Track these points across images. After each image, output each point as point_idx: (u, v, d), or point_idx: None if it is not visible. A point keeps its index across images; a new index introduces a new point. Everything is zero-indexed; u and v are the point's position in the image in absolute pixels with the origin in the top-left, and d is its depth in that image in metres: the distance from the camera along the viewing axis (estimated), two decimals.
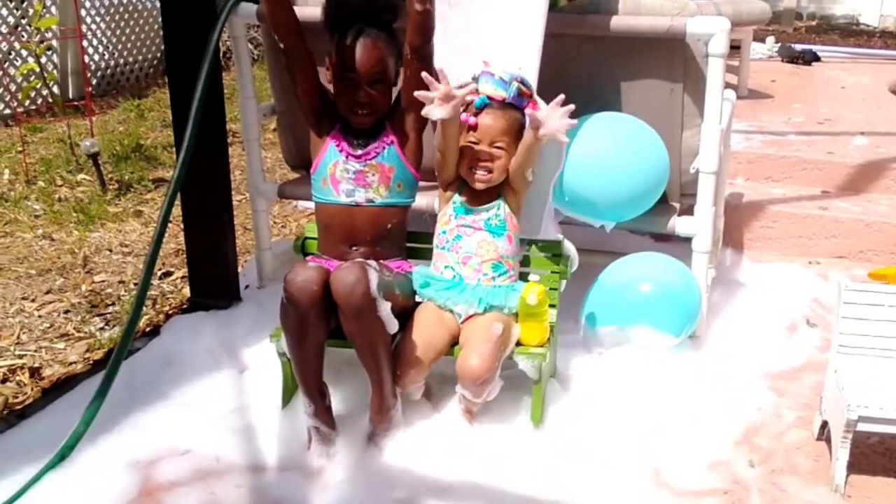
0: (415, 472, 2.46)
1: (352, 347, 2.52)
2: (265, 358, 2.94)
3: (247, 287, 3.60)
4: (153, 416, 2.72)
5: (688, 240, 3.14)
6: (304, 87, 2.65)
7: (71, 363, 3.22)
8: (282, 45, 2.60)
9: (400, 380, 2.54)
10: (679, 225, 3.13)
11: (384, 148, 2.67)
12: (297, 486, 2.45)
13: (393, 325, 2.46)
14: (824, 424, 2.60)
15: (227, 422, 2.71)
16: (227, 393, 2.87)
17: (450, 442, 2.57)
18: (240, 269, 3.65)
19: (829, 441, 2.55)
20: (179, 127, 3.22)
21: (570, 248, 2.89)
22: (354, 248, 2.69)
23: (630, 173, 2.90)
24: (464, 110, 2.58)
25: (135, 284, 3.82)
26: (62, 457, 2.46)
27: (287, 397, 2.75)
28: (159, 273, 3.93)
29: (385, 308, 2.42)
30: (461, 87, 2.56)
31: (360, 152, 2.65)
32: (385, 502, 2.37)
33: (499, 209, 2.66)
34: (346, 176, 2.65)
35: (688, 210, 3.17)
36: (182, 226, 3.56)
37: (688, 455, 2.53)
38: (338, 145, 2.66)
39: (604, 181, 2.90)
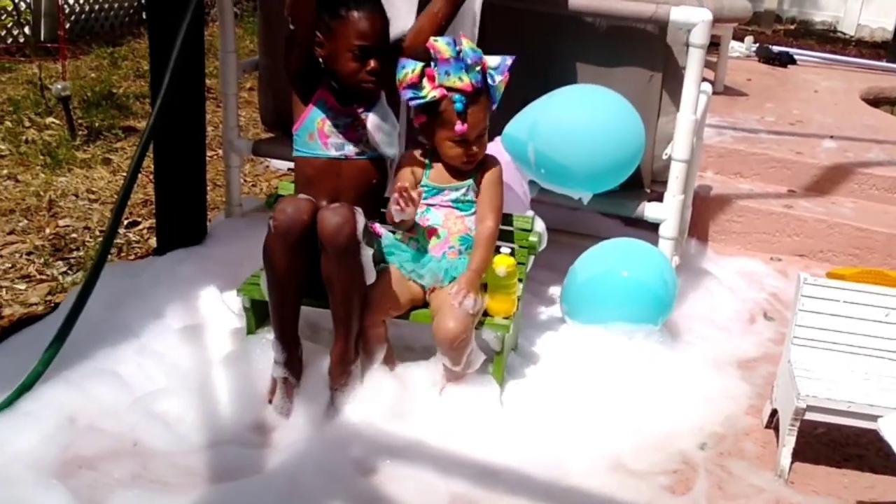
0: (372, 435, 2.47)
1: (324, 308, 2.54)
2: (212, 313, 2.94)
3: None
4: (93, 375, 2.58)
5: (656, 226, 3.19)
6: (299, 57, 2.61)
7: (32, 304, 3.19)
8: (291, 27, 2.54)
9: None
10: (648, 210, 3.18)
11: (372, 102, 2.66)
12: (251, 445, 2.43)
13: (371, 275, 2.49)
14: (774, 412, 2.67)
15: (176, 380, 2.62)
16: (175, 350, 2.76)
17: (407, 407, 2.58)
18: (207, 224, 3.63)
19: (776, 429, 2.63)
20: (157, 76, 3.19)
21: (540, 224, 2.92)
22: (336, 204, 2.67)
23: (608, 142, 2.94)
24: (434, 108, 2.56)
25: (100, 231, 3.78)
26: (19, 394, 2.44)
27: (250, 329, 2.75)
28: (126, 222, 3.89)
29: (367, 254, 2.44)
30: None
31: (348, 107, 2.65)
32: (340, 462, 2.37)
33: (468, 189, 2.66)
34: (335, 130, 2.65)
35: (658, 197, 3.23)
36: (152, 177, 3.53)
37: (640, 435, 2.58)
38: (325, 101, 2.65)
39: (581, 149, 2.93)
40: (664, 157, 3.17)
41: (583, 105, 3.02)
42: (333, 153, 2.66)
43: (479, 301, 2.55)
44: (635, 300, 2.89)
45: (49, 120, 5.11)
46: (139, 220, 3.97)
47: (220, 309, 3.01)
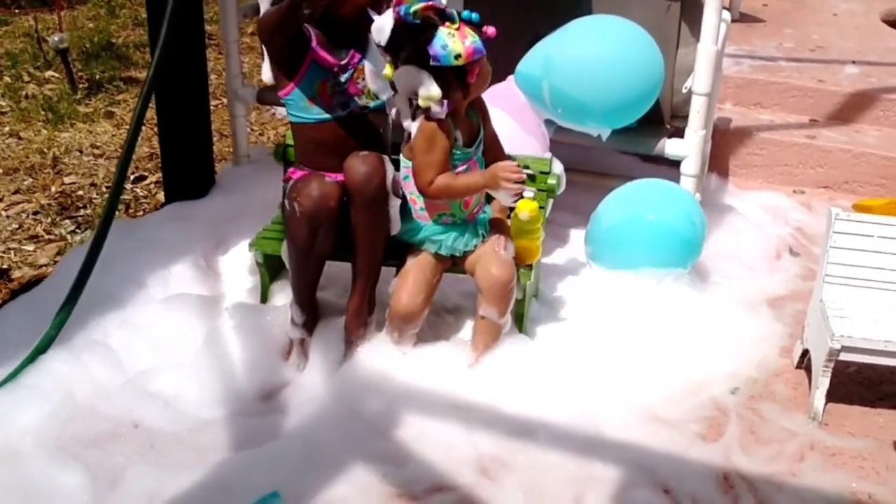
0: (392, 390, 2.41)
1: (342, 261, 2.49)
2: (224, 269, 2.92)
3: None
4: (87, 347, 2.50)
5: (676, 162, 3.09)
6: (296, 28, 2.41)
7: (41, 266, 3.13)
8: (307, 12, 2.36)
9: (395, 328, 2.48)
10: (669, 147, 3.07)
11: (367, 46, 2.51)
12: (264, 412, 2.38)
13: (396, 226, 2.45)
14: (805, 353, 2.60)
15: (177, 354, 2.53)
16: (174, 315, 2.67)
17: (427, 361, 2.52)
18: (216, 176, 3.54)
19: (808, 370, 2.56)
20: (155, 24, 3.07)
21: (558, 166, 2.82)
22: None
23: (626, 75, 2.82)
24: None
25: (107, 188, 3.70)
26: (33, 358, 2.40)
27: (264, 298, 2.74)
28: (132, 177, 3.81)
29: (395, 204, 2.40)
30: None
31: (345, 59, 2.49)
32: (359, 420, 2.31)
33: (482, 135, 2.51)
34: (338, 89, 2.49)
35: (678, 133, 3.11)
36: (156, 129, 3.43)
37: (672, 383, 2.52)
38: (320, 62, 2.46)
39: (599, 84, 2.81)
40: (684, 90, 3.05)
41: (599, 37, 2.89)
42: (340, 113, 2.51)
43: (511, 245, 2.50)
44: (664, 244, 2.80)
45: (49, 74, 4.99)
46: (146, 174, 3.89)
47: (231, 266, 2.96)
